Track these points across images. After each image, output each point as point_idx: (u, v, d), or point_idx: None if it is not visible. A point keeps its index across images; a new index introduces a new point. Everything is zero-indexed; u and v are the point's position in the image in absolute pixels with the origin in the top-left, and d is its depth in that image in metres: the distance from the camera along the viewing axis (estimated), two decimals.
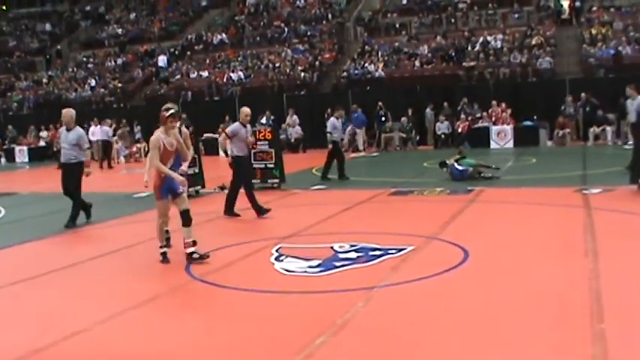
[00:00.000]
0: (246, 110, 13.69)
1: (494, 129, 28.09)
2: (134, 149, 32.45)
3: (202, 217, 13.35)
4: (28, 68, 47.56)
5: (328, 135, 18.95)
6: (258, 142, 17.05)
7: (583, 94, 27.47)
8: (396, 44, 36.24)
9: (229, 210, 13.37)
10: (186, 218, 9.40)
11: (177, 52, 42.82)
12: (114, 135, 33.18)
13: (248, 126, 13.78)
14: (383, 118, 30.20)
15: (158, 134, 9.29)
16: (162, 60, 42.03)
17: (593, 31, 32.36)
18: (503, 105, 28.62)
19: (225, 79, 37.03)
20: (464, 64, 32.08)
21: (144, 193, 17.64)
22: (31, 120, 38.41)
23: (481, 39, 33.90)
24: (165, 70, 41.28)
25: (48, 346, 6.30)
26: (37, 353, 6.13)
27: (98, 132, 32.41)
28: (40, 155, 35.38)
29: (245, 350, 6.09)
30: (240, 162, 13.50)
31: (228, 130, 13.73)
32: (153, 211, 14.83)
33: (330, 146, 18.66)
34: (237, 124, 13.72)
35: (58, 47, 48.47)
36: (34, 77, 45.68)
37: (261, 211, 13.11)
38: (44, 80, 44.48)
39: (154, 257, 10.08)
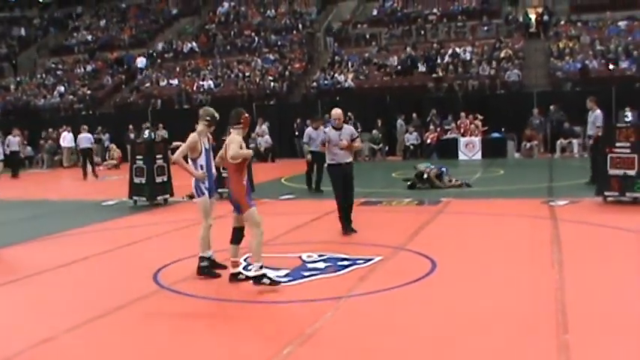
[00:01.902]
0: (336, 112, 11.89)
1: (462, 140, 28.25)
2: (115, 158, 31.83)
3: (172, 225, 13.34)
4: None
5: (305, 146, 18.57)
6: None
7: (552, 107, 27.77)
8: (366, 55, 36.38)
9: (346, 229, 11.87)
10: (240, 235, 8.59)
11: (151, 59, 42.63)
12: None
13: (346, 126, 11.96)
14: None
15: (237, 137, 8.48)
16: (140, 61, 41.92)
17: (561, 45, 32.70)
18: (479, 118, 28.76)
19: (195, 88, 36.92)
20: (434, 75, 32.26)
21: (112, 201, 17.60)
22: None
23: (450, 51, 34.12)
24: (143, 72, 41.22)
25: (14, 355, 6.24)
26: None
27: (69, 138, 32.17)
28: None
29: None
30: (330, 171, 12.00)
31: (320, 139, 12.11)
32: (123, 218, 14.90)
33: (308, 157, 17.96)
34: (327, 128, 12.24)
35: (36, 57, 47.91)
36: (1, 83, 45.18)
37: (346, 228, 11.88)
38: (12, 86, 44.00)
39: (123, 265, 10.09)
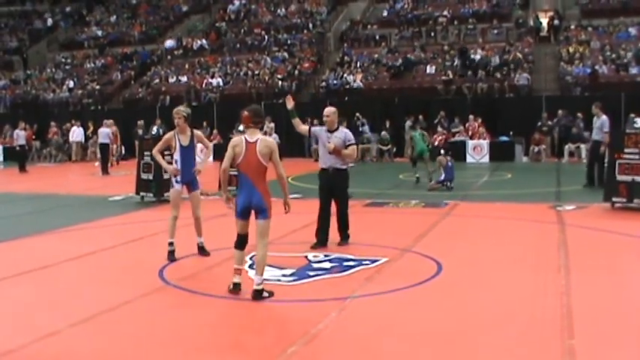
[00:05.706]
0: (326, 110, 10.69)
1: (470, 143, 28.23)
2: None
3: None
4: (6, 67, 47.10)
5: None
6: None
7: (560, 112, 27.73)
8: (375, 56, 36.36)
9: (319, 243, 10.80)
10: (246, 242, 8.19)
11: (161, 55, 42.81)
12: (90, 137, 32.88)
13: (342, 130, 10.69)
14: (360, 129, 30.22)
15: (274, 141, 7.81)
16: (169, 43, 42.42)
17: (571, 50, 32.66)
18: (479, 120, 28.74)
19: (204, 85, 36.94)
20: (443, 77, 32.19)
21: (119, 197, 17.63)
22: (7, 119, 37.94)
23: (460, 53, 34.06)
24: (172, 52, 41.68)
25: (19, 348, 6.25)
26: (6, 355, 6.08)
27: (78, 133, 32.25)
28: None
29: (216, 358, 6.08)
30: (318, 176, 10.90)
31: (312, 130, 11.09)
32: (129, 214, 14.92)
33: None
34: (320, 127, 11.05)
35: (46, 52, 47.96)
36: (11, 76, 45.28)
37: (320, 242, 10.75)
38: (22, 80, 44.08)
39: (129, 261, 10.09)
